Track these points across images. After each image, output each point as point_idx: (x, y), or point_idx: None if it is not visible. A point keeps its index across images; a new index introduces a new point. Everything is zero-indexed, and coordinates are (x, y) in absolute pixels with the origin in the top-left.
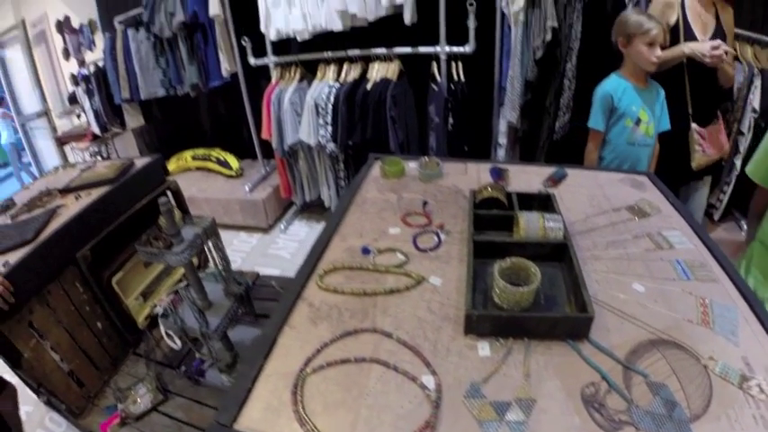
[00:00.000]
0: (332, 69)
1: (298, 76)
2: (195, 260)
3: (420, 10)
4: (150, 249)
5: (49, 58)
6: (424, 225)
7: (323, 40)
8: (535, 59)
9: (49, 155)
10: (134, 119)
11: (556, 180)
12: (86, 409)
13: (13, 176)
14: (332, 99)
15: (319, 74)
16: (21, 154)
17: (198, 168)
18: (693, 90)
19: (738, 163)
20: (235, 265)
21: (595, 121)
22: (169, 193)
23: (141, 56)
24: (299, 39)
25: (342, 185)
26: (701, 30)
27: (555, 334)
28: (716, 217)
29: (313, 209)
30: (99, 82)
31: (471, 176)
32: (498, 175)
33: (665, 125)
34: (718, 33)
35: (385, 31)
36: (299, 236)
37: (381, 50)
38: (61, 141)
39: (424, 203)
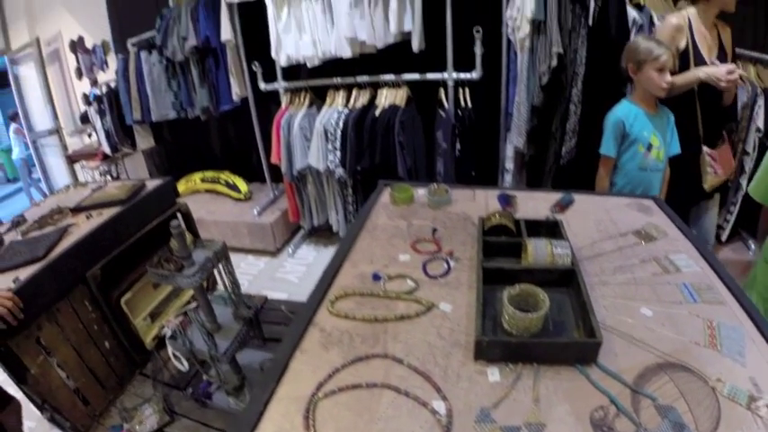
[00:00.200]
0: (341, 95)
1: (307, 101)
2: (204, 282)
3: (428, 37)
4: (161, 272)
5: (62, 76)
6: (433, 252)
7: (332, 66)
8: (541, 85)
9: (59, 172)
10: (145, 140)
11: (563, 206)
12: (91, 428)
13: (23, 191)
14: (341, 125)
15: (329, 100)
16: (31, 170)
17: (207, 191)
18: (704, 113)
19: (744, 183)
20: (242, 288)
21: (607, 147)
22: (179, 215)
23: (153, 78)
24: (308, 65)
25: (350, 210)
26: (707, 52)
27: (564, 359)
28: (723, 238)
29: (321, 233)
30: (111, 102)
31: (479, 203)
32: (506, 201)
33: (676, 149)
34: (722, 53)
35: (393, 57)
36: (306, 260)
37: (390, 77)
38: (72, 159)
39: (434, 230)
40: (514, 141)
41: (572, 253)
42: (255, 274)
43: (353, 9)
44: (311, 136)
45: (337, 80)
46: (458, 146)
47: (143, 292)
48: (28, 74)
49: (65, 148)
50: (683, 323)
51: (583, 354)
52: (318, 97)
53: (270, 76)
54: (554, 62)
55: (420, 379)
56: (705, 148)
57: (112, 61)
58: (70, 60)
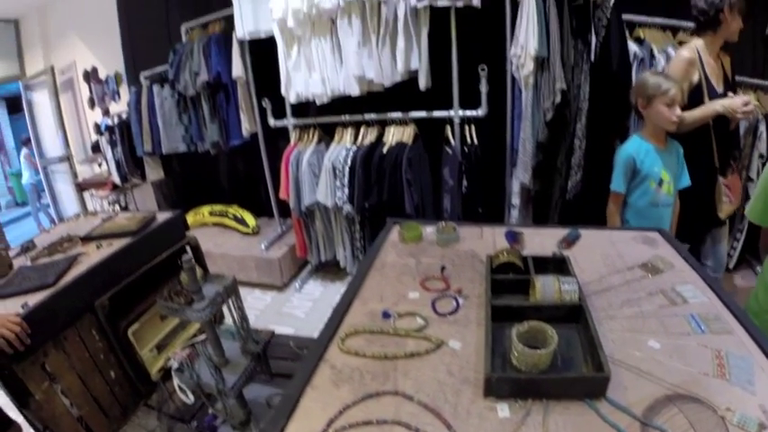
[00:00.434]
0: (349, 132)
1: (316, 138)
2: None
3: (434, 75)
4: (171, 305)
5: (74, 105)
6: (442, 290)
7: (341, 103)
8: (545, 121)
9: (68, 199)
10: (154, 171)
11: (570, 241)
12: None
13: (31, 216)
14: (349, 162)
15: (337, 137)
16: (40, 195)
17: (215, 224)
18: (718, 143)
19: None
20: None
21: (617, 183)
22: (189, 248)
23: (165, 111)
24: (317, 102)
25: (357, 246)
26: (716, 83)
27: (572, 394)
28: (731, 265)
29: (328, 269)
30: (123, 134)
31: (487, 240)
32: (513, 238)
33: (686, 182)
34: (726, 83)
35: (401, 95)
36: (313, 295)
37: (397, 115)
38: (81, 187)
39: (442, 268)
40: (520, 177)
41: (579, 288)
42: (262, 309)
43: (362, 48)
44: (320, 172)
45: (346, 117)
46: (464, 182)
47: (150, 324)
48: (41, 100)
49: (75, 175)
50: (691, 354)
51: (591, 388)
52: (327, 134)
53: (279, 112)
54: (558, 98)
55: (430, 416)
56: (720, 178)
57: (124, 92)
58: (83, 90)
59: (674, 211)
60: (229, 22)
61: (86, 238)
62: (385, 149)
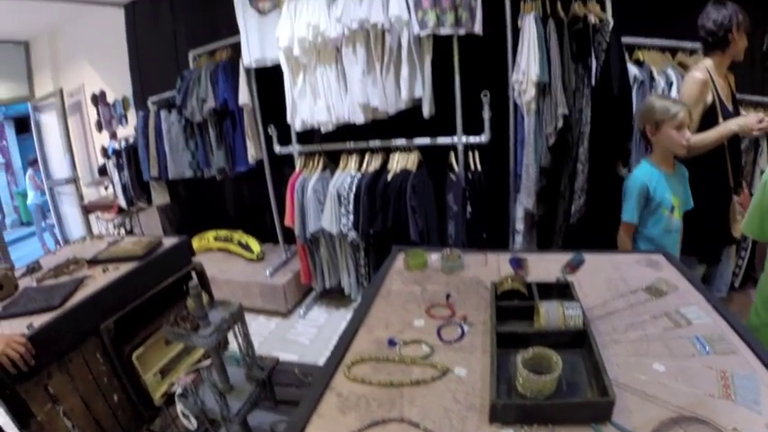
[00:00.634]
0: (354, 159)
1: (321, 165)
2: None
3: (437, 102)
4: (177, 330)
5: (82, 128)
6: (447, 317)
7: (346, 131)
8: (548, 146)
9: (73, 220)
10: (160, 196)
11: (574, 266)
12: None
13: (36, 236)
14: (354, 188)
15: (342, 164)
16: (46, 214)
17: (219, 249)
18: (732, 162)
19: None
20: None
21: (630, 214)
22: (194, 274)
23: (172, 137)
24: (322, 130)
25: (362, 273)
26: (727, 102)
27: (578, 419)
28: (736, 284)
29: (333, 295)
30: (129, 158)
31: (491, 267)
32: (518, 264)
33: (690, 204)
34: (734, 101)
35: (405, 123)
36: (318, 322)
37: (401, 142)
38: (87, 210)
39: (448, 295)
40: (524, 202)
41: (583, 314)
42: (266, 335)
43: (366, 76)
44: (324, 199)
45: (350, 145)
46: (468, 208)
47: (155, 348)
48: (49, 122)
49: (81, 197)
50: (696, 376)
51: (597, 413)
52: (332, 161)
53: (285, 139)
54: (560, 123)
55: None
56: (735, 197)
57: (132, 117)
58: (91, 113)
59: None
60: (236, 49)
61: (93, 262)
62: (389, 176)
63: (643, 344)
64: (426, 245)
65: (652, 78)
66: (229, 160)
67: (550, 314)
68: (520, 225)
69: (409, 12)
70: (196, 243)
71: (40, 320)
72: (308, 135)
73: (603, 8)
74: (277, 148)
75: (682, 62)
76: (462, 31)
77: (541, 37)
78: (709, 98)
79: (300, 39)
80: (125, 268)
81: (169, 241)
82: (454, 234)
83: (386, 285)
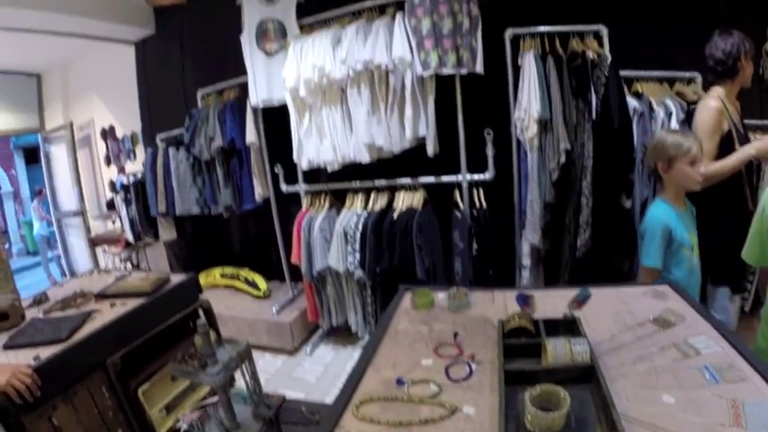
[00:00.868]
0: (360, 198)
1: (327, 204)
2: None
3: (441, 141)
4: (185, 368)
5: (91, 161)
6: (455, 355)
7: (351, 170)
8: (552, 181)
9: (80, 252)
10: (167, 231)
11: (580, 302)
12: None
13: (41, 266)
14: (360, 227)
15: (348, 202)
16: (51, 243)
17: (226, 286)
18: (750, 187)
19: None
20: None
21: (654, 258)
22: (201, 311)
23: (180, 174)
24: (328, 169)
25: (369, 311)
26: (739, 127)
27: None
28: (746, 308)
29: (339, 333)
30: (137, 193)
31: (498, 305)
32: (524, 301)
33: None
34: (744, 126)
35: (409, 161)
36: (324, 360)
37: (406, 180)
38: (94, 243)
39: (455, 334)
40: (530, 238)
41: (590, 349)
42: (272, 373)
43: (371, 116)
44: (331, 237)
45: (356, 184)
46: (474, 245)
47: (161, 384)
48: (59, 154)
49: (88, 230)
50: (706, 406)
51: None
52: (338, 199)
53: (291, 178)
54: (563, 158)
55: None
56: None
57: (140, 152)
58: (100, 147)
59: None
60: (244, 89)
61: (100, 296)
62: (395, 215)
63: (652, 376)
64: (433, 282)
65: (651, 109)
66: (236, 198)
67: (558, 351)
68: (526, 260)
69: (412, 53)
70: (203, 279)
71: (46, 352)
72: (315, 174)
73: (601, 44)
74: (284, 187)
75: (680, 92)
76: (464, 71)
77: (541, 74)
78: (725, 126)
79: (306, 80)
80: (132, 304)
81: (177, 278)
82: (461, 271)
83: (393, 325)
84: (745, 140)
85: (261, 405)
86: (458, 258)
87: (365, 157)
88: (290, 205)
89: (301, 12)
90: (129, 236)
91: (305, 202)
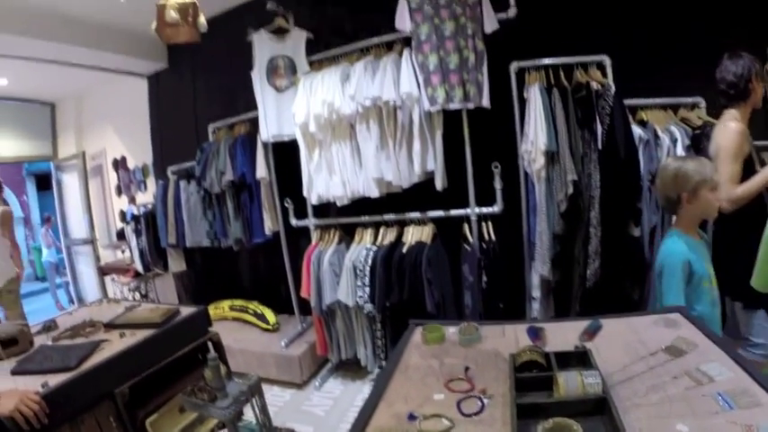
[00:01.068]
0: (369, 232)
1: (337, 238)
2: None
3: (450, 175)
4: (195, 400)
5: (102, 191)
6: (467, 390)
7: (361, 204)
8: (560, 212)
9: (88, 279)
10: (177, 263)
11: (591, 333)
12: None
13: (49, 291)
14: (369, 261)
15: (357, 237)
16: (60, 272)
17: (234, 319)
18: None
19: None
20: None
21: (676, 296)
22: (211, 344)
23: (190, 206)
24: (338, 203)
25: (378, 345)
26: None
27: None
28: None
29: (348, 367)
30: (148, 224)
31: (509, 338)
32: (535, 334)
33: None
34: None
35: (418, 196)
36: (333, 393)
37: (415, 215)
38: (104, 271)
39: (466, 369)
40: (539, 269)
41: (602, 380)
42: (281, 406)
43: (380, 152)
44: (340, 272)
45: (365, 218)
46: (484, 278)
47: (169, 415)
48: (70, 182)
49: (98, 258)
50: None
51: None
52: (347, 234)
53: (301, 212)
54: (570, 189)
55: None
56: None
57: (151, 183)
58: (112, 177)
59: None
60: (254, 124)
61: (110, 326)
62: (405, 249)
63: (665, 405)
64: (442, 316)
65: (656, 137)
66: (246, 231)
67: (569, 383)
68: (536, 292)
69: (419, 89)
70: (211, 311)
71: (55, 380)
72: (324, 208)
73: (605, 74)
74: (293, 221)
75: (684, 118)
76: (471, 106)
77: (547, 106)
78: (746, 147)
79: (316, 115)
80: (142, 335)
81: (187, 310)
82: (470, 304)
83: (404, 360)
84: (760, 161)
85: None
86: (467, 292)
87: (374, 192)
88: (299, 239)
89: (311, 48)
90: (139, 266)
91: (314, 236)
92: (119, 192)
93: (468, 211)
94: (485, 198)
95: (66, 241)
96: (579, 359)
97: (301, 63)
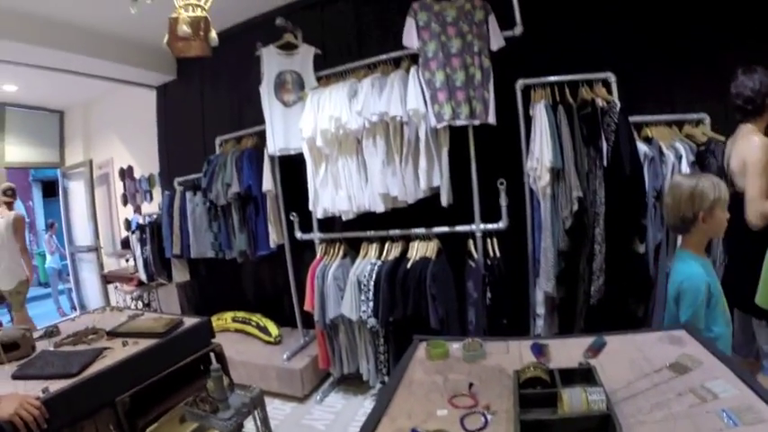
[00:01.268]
0: (374, 247)
1: (341, 252)
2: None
3: (455, 191)
4: (197, 411)
5: (108, 200)
6: (470, 406)
7: (366, 219)
8: (565, 229)
9: (91, 287)
10: (180, 273)
11: (595, 350)
12: None
13: (51, 297)
14: (374, 276)
15: (362, 251)
16: (63, 279)
17: (237, 330)
18: None
19: None
20: None
21: (700, 319)
22: (213, 355)
23: (196, 218)
24: (343, 218)
25: (381, 360)
26: None
27: None
28: None
29: (350, 381)
30: (153, 234)
31: (513, 354)
32: (539, 351)
33: None
34: None
35: (424, 211)
36: (334, 408)
37: (421, 230)
38: (107, 279)
39: (470, 385)
40: (544, 286)
41: (607, 397)
42: (282, 419)
43: (386, 167)
44: (345, 286)
45: (370, 233)
46: (488, 294)
47: (169, 425)
48: (77, 190)
49: (101, 266)
50: None
51: None
52: (352, 248)
53: (306, 226)
54: (575, 206)
55: None
56: None
57: (156, 194)
58: (118, 187)
59: None
60: (261, 137)
61: (112, 334)
62: (409, 264)
63: (669, 423)
64: (446, 332)
65: (662, 153)
66: (251, 244)
67: (574, 400)
68: (540, 309)
69: (426, 105)
70: (214, 322)
71: (55, 386)
72: (329, 222)
73: (610, 91)
74: (298, 235)
75: (689, 134)
76: (477, 122)
77: (552, 124)
78: None
79: (323, 130)
80: (145, 344)
81: (190, 321)
82: (474, 320)
83: (408, 375)
84: None
85: None
86: (471, 308)
87: (380, 207)
88: (303, 252)
89: (318, 64)
90: (143, 275)
91: (319, 250)
92: (124, 201)
93: (474, 227)
94: (490, 214)
95: (71, 248)
96: (583, 376)
97: (309, 78)
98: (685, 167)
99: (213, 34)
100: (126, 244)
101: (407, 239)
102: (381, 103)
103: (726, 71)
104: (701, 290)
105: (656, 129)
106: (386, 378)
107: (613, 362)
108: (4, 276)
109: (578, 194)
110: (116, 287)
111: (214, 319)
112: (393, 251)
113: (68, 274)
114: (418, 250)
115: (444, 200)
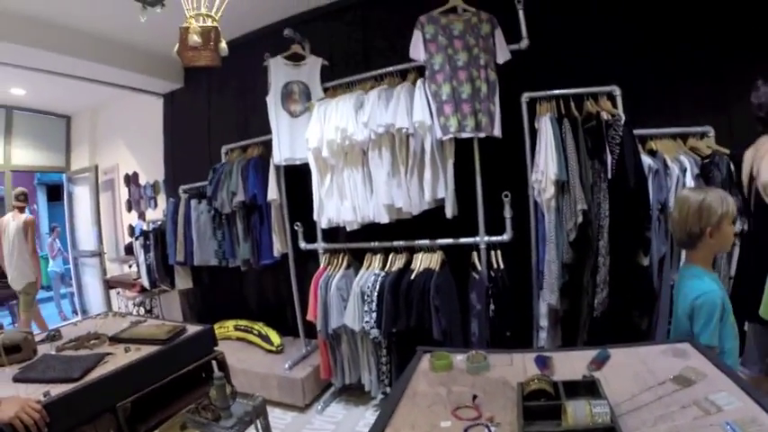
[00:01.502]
0: (378, 258)
1: (345, 263)
2: None
3: (460, 203)
4: (199, 419)
5: (112, 205)
6: (474, 418)
7: (370, 230)
8: (569, 242)
9: (93, 291)
10: (183, 281)
11: (599, 362)
12: None
13: (53, 301)
14: (377, 287)
15: (366, 262)
16: (65, 283)
17: (239, 338)
18: None
19: None
20: None
21: (715, 336)
22: (215, 363)
23: (200, 225)
24: (348, 228)
25: (383, 371)
26: None
27: None
28: None
29: (352, 392)
30: (157, 240)
31: (517, 367)
32: (543, 363)
33: None
34: None
35: (428, 223)
36: (336, 418)
37: (425, 242)
38: (110, 285)
39: (474, 397)
40: (547, 298)
41: (611, 410)
42: (282, 428)
43: (391, 179)
44: (348, 296)
45: (375, 244)
46: (492, 306)
47: None
48: (82, 194)
49: (104, 271)
50: None
51: None
52: (356, 259)
53: (310, 235)
54: (579, 219)
55: None
56: None
57: (161, 200)
58: (123, 193)
59: None
60: (267, 147)
61: (114, 339)
62: (413, 276)
63: None
64: (449, 343)
65: (666, 166)
66: (255, 252)
67: (578, 413)
68: (544, 321)
69: (432, 117)
70: (216, 330)
71: (57, 390)
72: (334, 233)
73: (615, 104)
74: (302, 244)
75: (693, 147)
76: (482, 135)
77: (557, 136)
78: None
79: (329, 141)
80: (147, 350)
81: (193, 328)
82: (478, 332)
83: (411, 386)
84: None
85: None
86: (475, 320)
87: (384, 218)
88: (307, 262)
89: (325, 75)
90: (146, 281)
91: (323, 260)
92: (129, 207)
93: (478, 239)
94: (494, 227)
95: (74, 252)
96: (587, 388)
97: (316, 89)
98: (690, 180)
99: (223, 44)
100: (129, 250)
101: (411, 251)
102: (388, 115)
103: (730, 85)
104: (717, 306)
105: (660, 142)
106: (388, 389)
107: (617, 374)
108: (14, 277)
109: (583, 207)
110: (118, 293)
111: (216, 326)
112: (397, 262)
113: (71, 278)
114: (422, 262)
115: (449, 212)
